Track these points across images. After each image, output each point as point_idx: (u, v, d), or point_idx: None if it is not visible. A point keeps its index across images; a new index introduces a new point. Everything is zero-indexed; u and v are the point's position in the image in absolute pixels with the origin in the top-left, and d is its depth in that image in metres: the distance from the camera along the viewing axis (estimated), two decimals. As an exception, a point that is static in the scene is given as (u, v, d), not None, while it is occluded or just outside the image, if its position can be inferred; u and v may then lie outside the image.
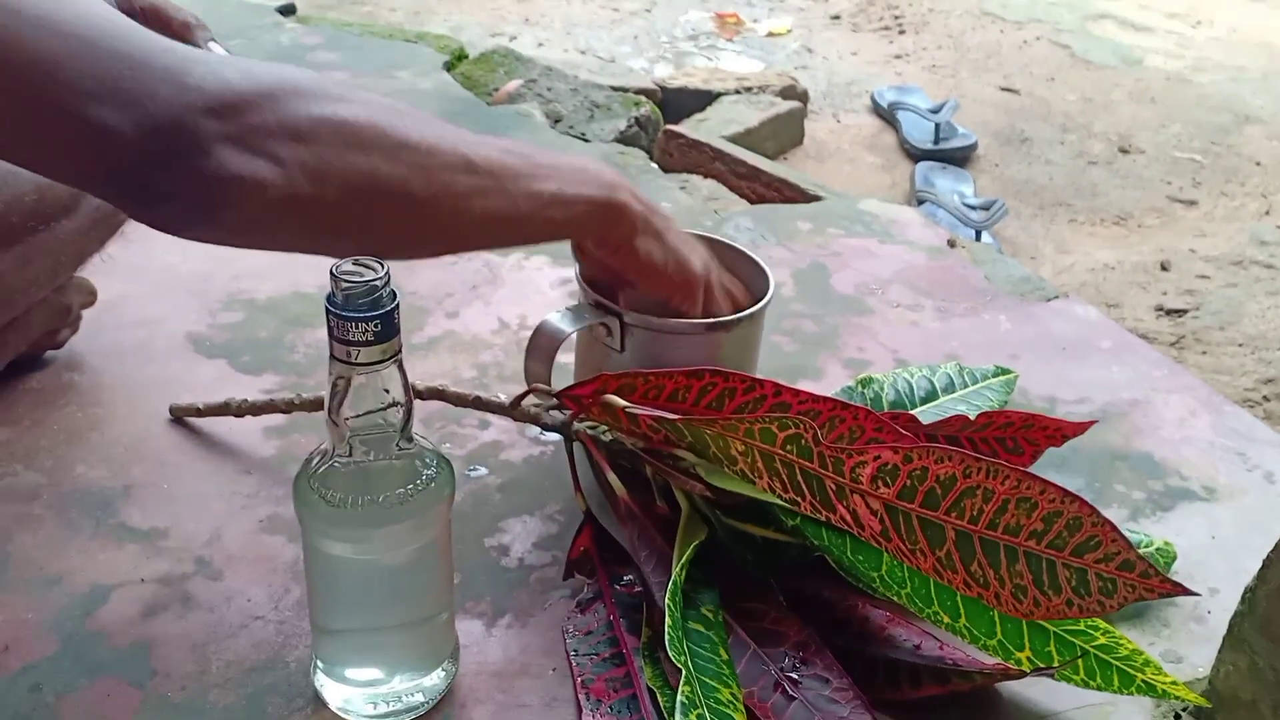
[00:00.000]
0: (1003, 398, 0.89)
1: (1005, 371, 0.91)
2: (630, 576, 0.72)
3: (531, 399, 0.77)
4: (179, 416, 0.86)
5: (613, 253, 0.74)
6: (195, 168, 0.52)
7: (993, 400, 0.88)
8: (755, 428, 0.63)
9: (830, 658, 0.65)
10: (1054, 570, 0.57)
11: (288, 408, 0.81)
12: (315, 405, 0.79)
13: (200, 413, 0.85)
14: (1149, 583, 0.56)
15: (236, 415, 0.83)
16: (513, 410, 0.78)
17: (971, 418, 0.76)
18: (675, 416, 0.68)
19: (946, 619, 0.64)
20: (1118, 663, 0.64)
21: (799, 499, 0.63)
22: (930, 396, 0.86)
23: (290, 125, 0.55)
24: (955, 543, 0.59)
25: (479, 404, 0.79)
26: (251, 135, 0.53)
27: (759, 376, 0.71)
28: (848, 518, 0.62)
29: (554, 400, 0.76)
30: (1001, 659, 0.64)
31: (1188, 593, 0.57)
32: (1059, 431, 0.78)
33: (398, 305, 0.56)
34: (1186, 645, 0.73)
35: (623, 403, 0.71)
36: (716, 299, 0.79)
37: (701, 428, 0.66)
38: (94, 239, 0.83)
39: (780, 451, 0.62)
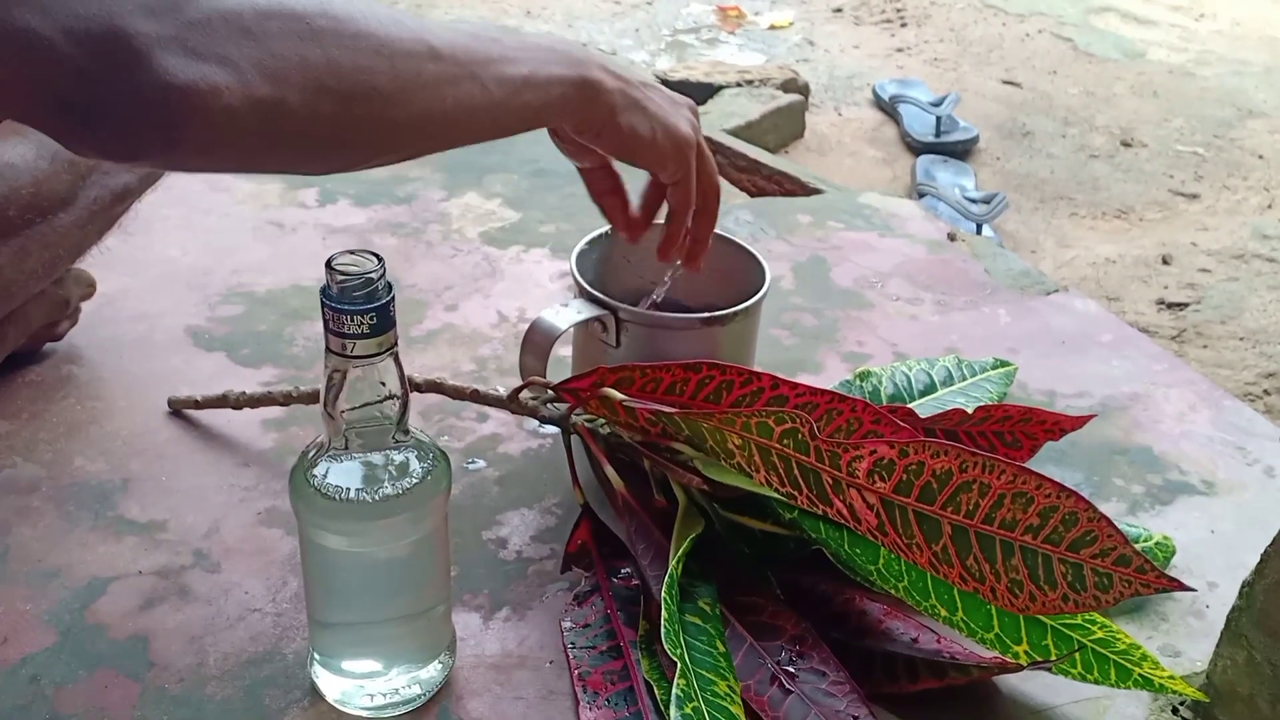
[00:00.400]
0: (1002, 390, 0.89)
1: (1004, 364, 0.91)
2: (628, 570, 0.72)
3: (529, 392, 0.77)
4: (177, 409, 0.86)
5: (596, 136, 0.70)
6: (137, 80, 0.47)
7: (991, 393, 0.88)
8: (752, 421, 0.63)
9: (827, 651, 0.65)
10: (1050, 565, 0.57)
11: (286, 400, 0.81)
12: (313, 398, 0.79)
13: (198, 405, 0.85)
14: (1145, 578, 0.56)
15: (235, 408, 0.83)
16: (510, 403, 0.78)
17: (970, 411, 0.76)
18: (673, 410, 0.68)
19: (944, 612, 0.64)
20: (1115, 657, 0.64)
21: (796, 493, 0.63)
22: (929, 389, 0.86)
23: (235, 18, 0.49)
24: (951, 537, 0.59)
25: (477, 397, 0.79)
26: (194, 33, 0.48)
27: (757, 370, 0.71)
28: (844, 512, 0.61)
29: (552, 393, 0.76)
30: (999, 652, 0.64)
31: (1183, 588, 0.56)
32: (1058, 425, 0.78)
33: (393, 297, 0.56)
34: (1184, 639, 0.72)
35: (620, 396, 0.71)
36: (708, 162, 0.76)
37: (699, 421, 0.66)
38: (92, 231, 0.83)
39: (777, 445, 0.62)
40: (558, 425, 0.77)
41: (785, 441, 0.62)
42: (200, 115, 0.48)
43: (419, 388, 0.79)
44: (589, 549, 0.73)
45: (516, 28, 0.65)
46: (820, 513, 0.63)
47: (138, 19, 0.47)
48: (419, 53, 0.57)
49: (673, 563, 0.65)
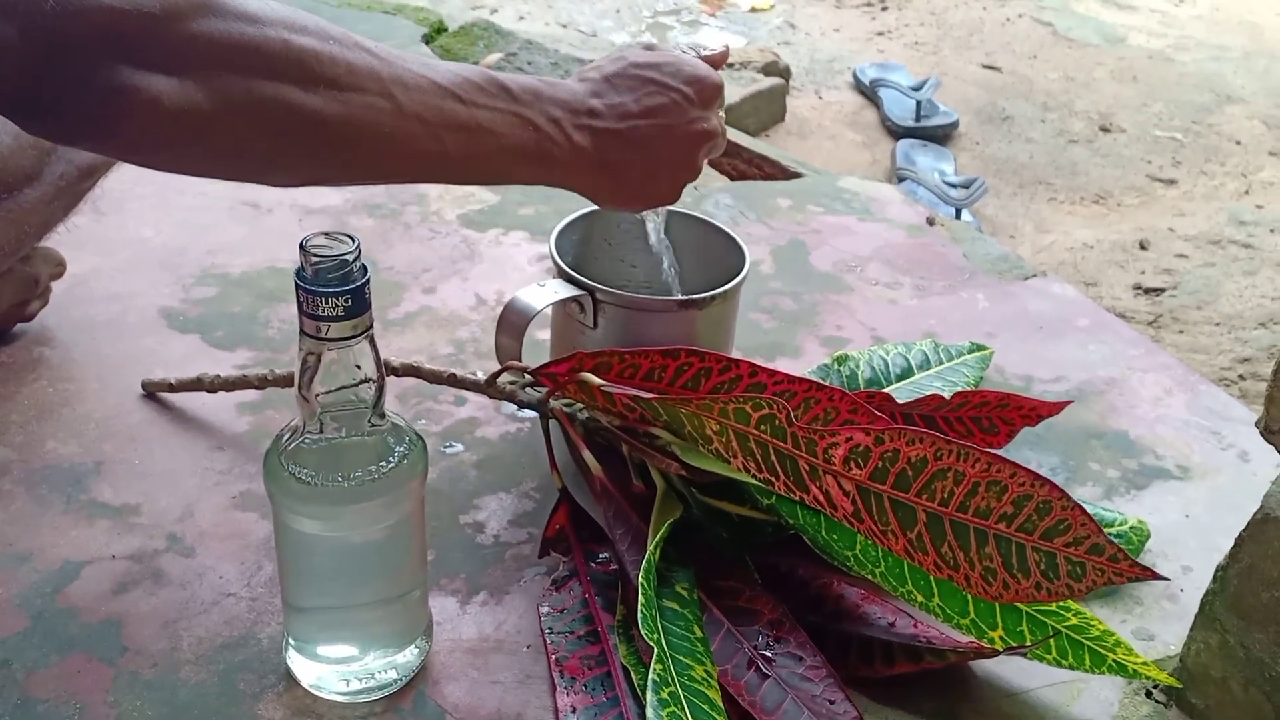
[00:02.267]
0: (978, 374, 0.89)
1: (981, 348, 0.91)
2: (606, 554, 0.72)
3: (507, 376, 0.77)
4: (151, 392, 0.85)
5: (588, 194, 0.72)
6: (87, 80, 0.51)
7: (968, 376, 0.88)
8: (730, 408, 0.63)
9: (804, 636, 0.65)
10: (1023, 553, 0.57)
11: (260, 384, 0.81)
12: (288, 381, 0.79)
13: (173, 388, 0.84)
14: (1117, 566, 0.56)
15: (209, 391, 0.82)
16: (488, 388, 0.77)
17: (947, 396, 0.76)
18: (651, 395, 0.68)
19: (920, 598, 0.64)
20: (1089, 643, 0.64)
21: (773, 479, 0.63)
22: (906, 373, 0.86)
23: (192, 44, 0.53)
24: (926, 525, 0.59)
25: (454, 381, 0.78)
26: (150, 50, 0.52)
27: (736, 356, 0.71)
28: (821, 498, 0.61)
29: (530, 378, 0.76)
30: (974, 637, 0.64)
31: (1156, 577, 0.57)
32: (1034, 412, 0.78)
33: (369, 280, 0.55)
34: (1158, 623, 0.73)
35: (599, 381, 0.70)
36: (697, 158, 0.73)
37: (676, 407, 0.66)
38: (58, 208, 0.82)
39: (754, 431, 0.62)
40: (535, 410, 0.77)
41: (762, 427, 0.62)
42: (138, 116, 0.52)
43: (396, 372, 0.78)
44: (567, 534, 0.73)
45: (506, 74, 0.64)
46: (797, 499, 0.63)
47: (95, 29, 0.50)
48: (380, 106, 0.59)
49: (650, 548, 0.65)
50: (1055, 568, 0.57)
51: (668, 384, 0.70)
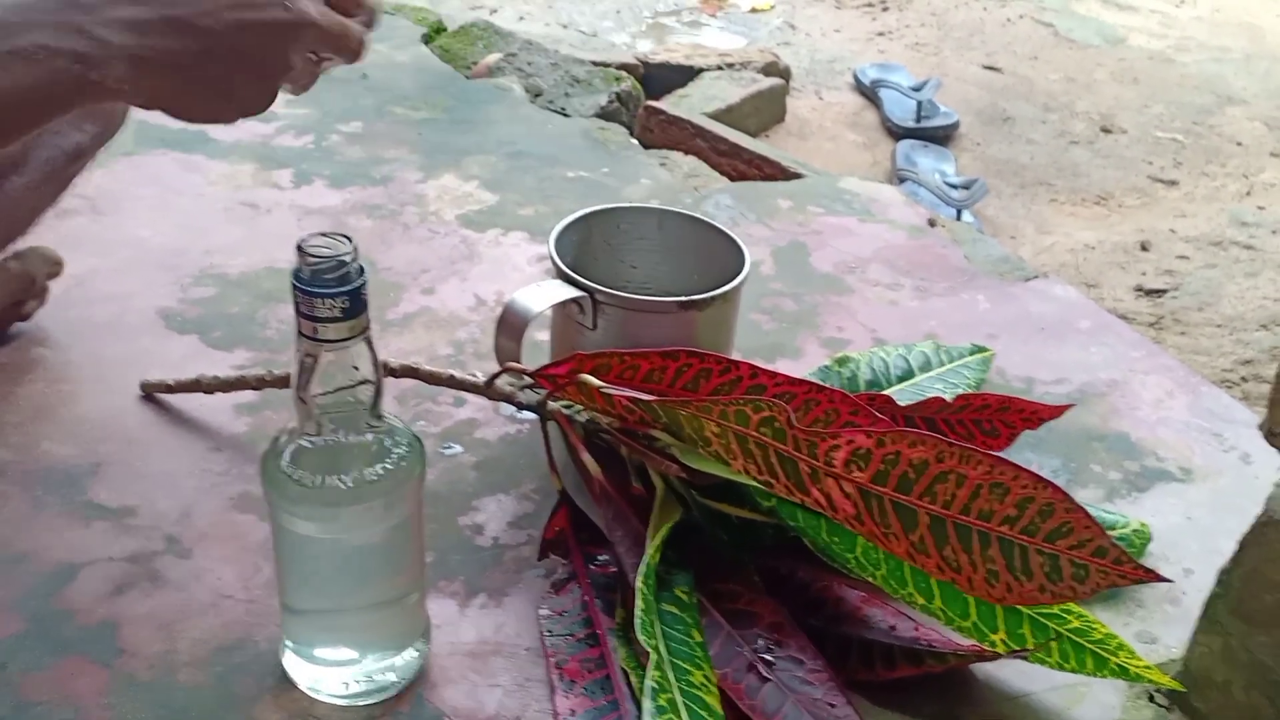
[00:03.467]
0: (979, 376, 0.89)
1: (981, 350, 0.91)
2: (605, 557, 0.72)
3: (506, 378, 0.76)
4: (149, 393, 0.85)
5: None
6: None
7: (969, 378, 0.87)
8: (730, 410, 0.62)
9: (804, 639, 0.65)
10: (1026, 556, 0.57)
11: (259, 384, 0.80)
12: (286, 382, 0.78)
13: (171, 389, 0.84)
14: (1121, 569, 0.56)
15: (207, 392, 0.82)
16: (487, 389, 0.77)
17: (949, 398, 0.76)
18: (650, 397, 0.67)
19: (921, 600, 0.64)
20: (1091, 646, 0.64)
21: (773, 480, 0.63)
22: (906, 375, 0.86)
23: None
24: (929, 527, 0.58)
25: (453, 383, 0.78)
26: None
27: (736, 358, 0.70)
28: (822, 501, 0.61)
29: (529, 379, 0.75)
30: (976, 640, 0.64)
31: (1160, 579, 0.56)
32: (1036, 415, 0.78)
33: (365, 281, 0.55)
34: (1161, 626, 0.73)
35: (598, 383, 0.70)
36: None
37: (676, 409, 0.66)
38: (46, 194, 0.81)
39: (755, 433, 0.62)
40: (535, 411, 0.76)
41: (763, 430, 0.61)
42: None
43: (394, 373, 0.78)
44: (566, 536, 0.73)
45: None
46: (798, 501, 0.63)
47: None
48: None
49: (650, 551, 0.64)
50: (1059, 570, 0.56)
51: (667, 385, 0.70)
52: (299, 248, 0.54)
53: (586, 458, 0.72)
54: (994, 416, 0.77)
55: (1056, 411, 0.78)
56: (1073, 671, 0.64)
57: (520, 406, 0.77)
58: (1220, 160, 2.18)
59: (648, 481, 0.71)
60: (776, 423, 0.61)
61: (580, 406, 0.74)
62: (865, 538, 0.62)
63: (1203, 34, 2.76)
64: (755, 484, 0.64)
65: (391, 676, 0.64)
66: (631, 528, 0.69)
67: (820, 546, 0.66)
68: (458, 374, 0.78)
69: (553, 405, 0.75)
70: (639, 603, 0.62)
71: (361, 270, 0.55)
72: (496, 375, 0.76)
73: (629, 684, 0.63)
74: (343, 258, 0.54)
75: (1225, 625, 0.64)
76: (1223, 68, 2.57)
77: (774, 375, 0.67)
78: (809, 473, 0.61)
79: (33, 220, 0.83)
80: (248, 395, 0.84)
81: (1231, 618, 0.63)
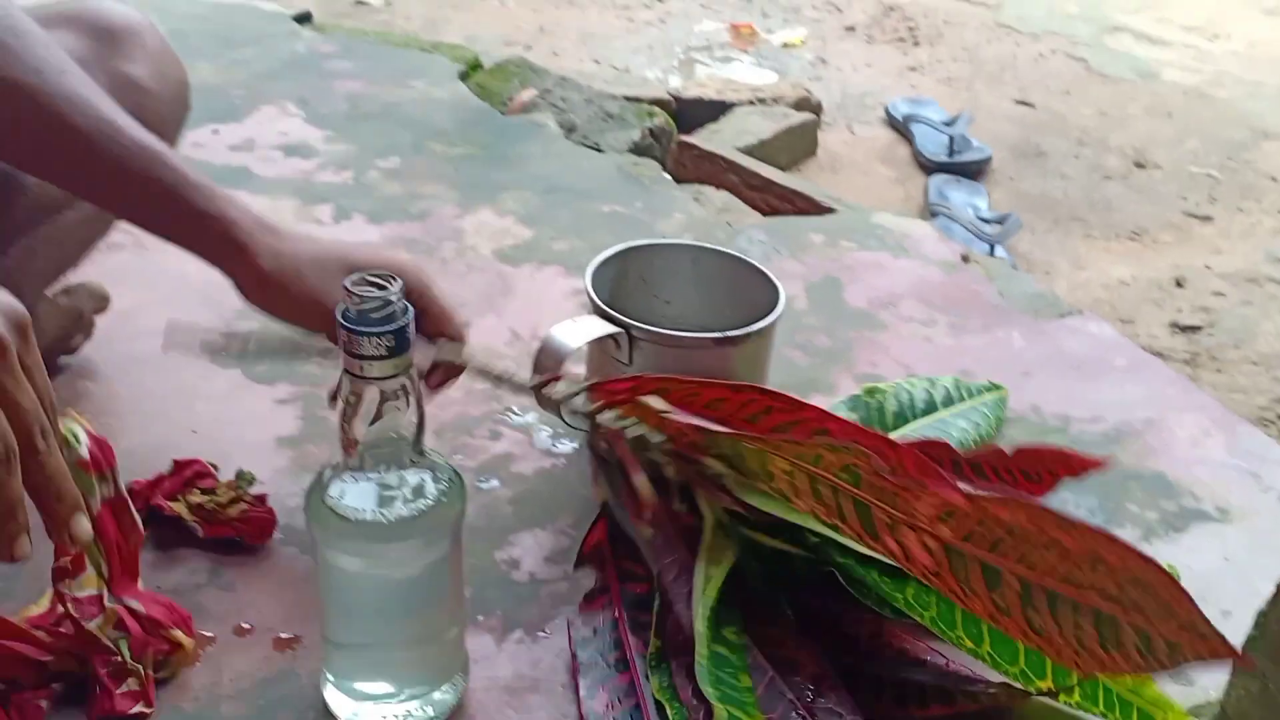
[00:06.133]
0: (998, 413, 0.89)
1: (997, 387, 0.92)
2: (640, 572, 0.72)
3: (562, 385, 0.74)
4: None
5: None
6: None
7: (989, 416, 0.88)
8: (808, 451, 0.61)
9: (844, 693, 0.64)
10: (1118, 629, 0.55)
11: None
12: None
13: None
14: (1214, 646, 0.54)
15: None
16: (536, 393, 0.75)
17: (971, 434, 0.76)
18: (718, 428, 0.67)
19: (969, 644, 0.63)
20: (1138, 701, 0.63)
21: (840, 524, 0.62)
22: (929, 408, 0.87)
23: None
24: (1019, 592, 0.57)
25: (500, 380, 0.76)
26: None
27: (803, 400, 0.69)
28: (895, 550, 0.60)
29: (579, 388, 0.74)
30: (1022, 685, 0.64)
31: (1249, 664, 0.55)
32: (1083, 465, 0.77)
33: (411, 320, 0.56)
34: (1198, 668, 0.72)
35: (664, 406, 0.69)
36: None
37: (741, 441, 0.65)
38: (98, 227, 0.83)
39: (830, 476, 0.61)
40: (583, 423, 0.74)
41: (841, 475, 0.60)
42: None
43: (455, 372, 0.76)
44: (603, 549, 0.73)
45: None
46: (866, 547, 0.62)
47: None
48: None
49: (707, 592, 0.64)
50: (1150, 646, 0.55)
51: (728, 416, 0.69)
52: (346, 288, 0.55)
53: (639, 480, 0.70)
54: (1041, 465, 0.76)
55: (1102, 464, 0.78)
56: (1101, 716, 0.63)
57: (570, 414, 0.74)
58: (1255, 196, 2.17)
59: (690, 503, 0.71)
60: (856, 468, 0.60)
61: (633, 420, 0.72)
62: (942, 592, 0.61)
63: (1238, 68, 2.75)
64: (819, 525, 0.64)
65: (429, 711, 0.64)
66: (679, 557, 0.69)
67: (862, 581, 0.66)
68: (509, 368, 0.76)
69: (603, 420, 0.72)
70: (701, 648, 0.62)
71: (406, 309, 0.56)
72: (546, 380, 0.75)
73: (661, 714, 0.63)
74: (389, 297, 0.55)
75: (1263, 668, 0.63)
76: (1258, 103, 2.56)
77: (842, 423, 0.66)
78: (886, 522, 0.60)
79: (83, 253, 0.84)
80: (289, 429, 0.85)
81: (1269, 661, 0.63)
